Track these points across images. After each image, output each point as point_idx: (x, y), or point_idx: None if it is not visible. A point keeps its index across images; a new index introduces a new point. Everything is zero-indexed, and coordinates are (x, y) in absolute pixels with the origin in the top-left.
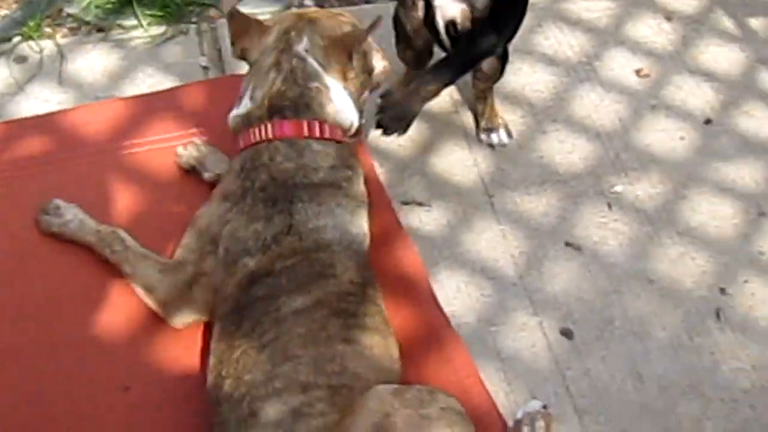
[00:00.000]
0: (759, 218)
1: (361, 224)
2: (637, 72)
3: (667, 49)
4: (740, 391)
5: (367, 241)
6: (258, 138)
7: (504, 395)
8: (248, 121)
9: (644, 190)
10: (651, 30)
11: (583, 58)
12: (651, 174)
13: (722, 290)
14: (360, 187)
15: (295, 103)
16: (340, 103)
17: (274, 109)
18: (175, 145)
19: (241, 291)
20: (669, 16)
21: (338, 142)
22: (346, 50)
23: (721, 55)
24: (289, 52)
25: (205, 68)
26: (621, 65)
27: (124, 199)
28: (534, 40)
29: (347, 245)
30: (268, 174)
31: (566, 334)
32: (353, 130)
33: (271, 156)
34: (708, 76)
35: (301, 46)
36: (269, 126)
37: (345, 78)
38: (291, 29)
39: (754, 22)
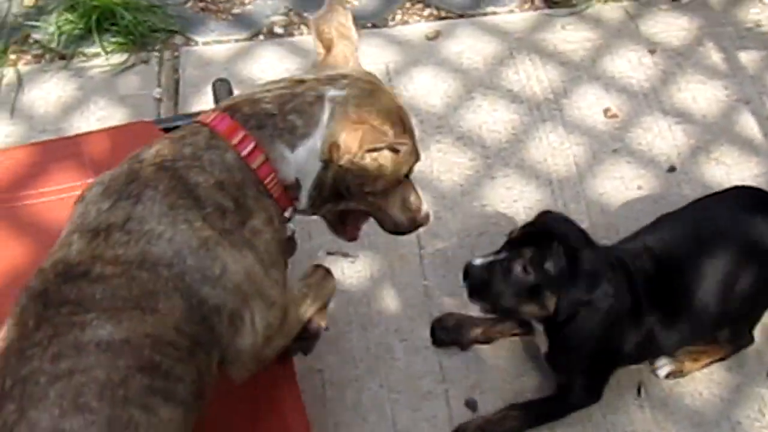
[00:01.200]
0: None
1: (208, 263)
2: (605, 112)
3: (642, 86)
4: None
5: (218, 292)
6: (196, 118)
7: None
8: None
9: None
10: (630, 64)
11: (550, 95)
12: (597, 228)
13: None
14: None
15: (263, 119)
16: (302, 164)
17: (237, 110)
18: (72, 196)
19: (56, 277)
20: (653, 48)
21: (259, 183)
22: (364, 137)
23: (701, 94)
24: (320, 86)
25: (159, 100)
26: (590, 104)
27: (16, 252)
28: (502, 73)
29: (178, 275)
30: (156, 150)
31: (470, 405)
32: (287, 205)
33: (181, 135)
34: (682, 117)
35: (333, 92)
36: (215, 114)
37: (332, 157)
38: (346, 75)
39: (745, 57)
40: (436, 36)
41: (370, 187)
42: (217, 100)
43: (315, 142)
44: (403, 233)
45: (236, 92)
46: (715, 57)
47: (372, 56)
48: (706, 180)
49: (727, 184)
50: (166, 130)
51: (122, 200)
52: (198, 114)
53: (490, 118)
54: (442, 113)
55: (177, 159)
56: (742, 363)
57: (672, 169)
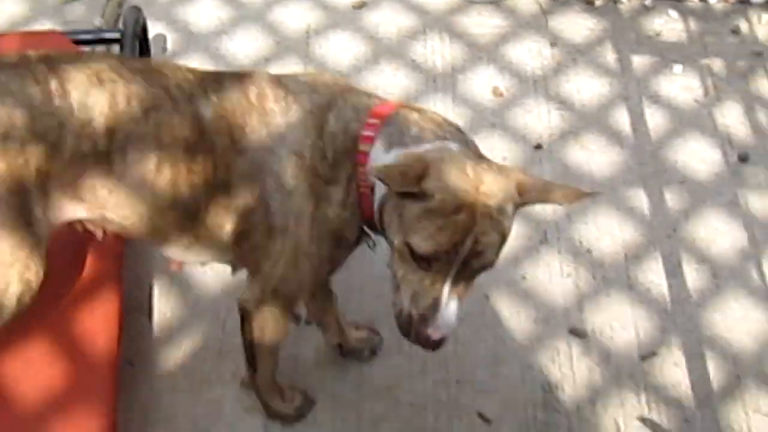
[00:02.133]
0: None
1: (288, 176)
2: (494, 90)
3: (535, 73)
4: None
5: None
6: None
7: None
8: None
9: None
10: (529, 53)
11: (449, 70)
12: None
13: None
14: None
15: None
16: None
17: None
18: None
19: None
20: (554, 42)
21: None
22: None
23: (587, 86)
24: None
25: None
26: (481, 82)
27: None
28: (411, 46)
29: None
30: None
31: None
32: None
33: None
34: (563, 104)
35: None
36: (389, 102)
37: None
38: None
39: (637, 60)
40: (361, 6)
41: (392, 236)
42: (125, 25)
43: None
44: (398, 325)
45: (149, 23)
46: (610, 57)
47: (297, 15)
48: (567, 161)
49: (586, 167)
50: (77, 42)
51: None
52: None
53: (389, 82)
54: (346, 72)
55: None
56: (548, 318)
57: (539, 146)
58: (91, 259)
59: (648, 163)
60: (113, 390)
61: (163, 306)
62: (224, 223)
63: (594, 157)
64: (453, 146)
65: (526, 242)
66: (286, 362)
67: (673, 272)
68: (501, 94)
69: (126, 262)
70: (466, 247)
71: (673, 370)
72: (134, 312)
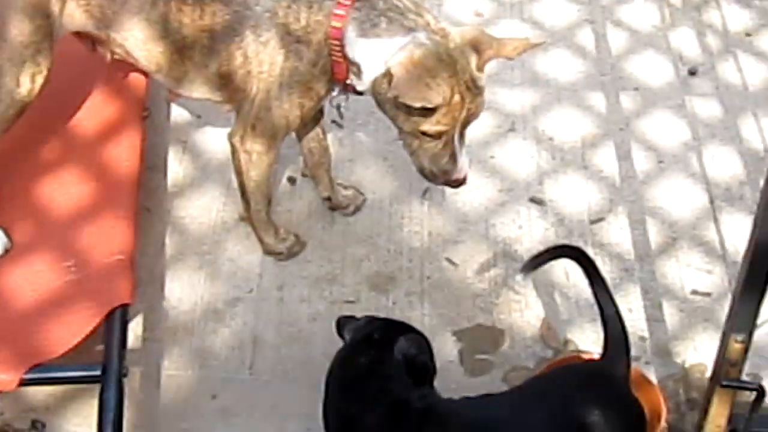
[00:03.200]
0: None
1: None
2: (475, 12)
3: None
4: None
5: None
6: None
7: None
8: None
9: None
10: None
11: None
12: None
13: None
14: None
15: (367, 5)
16: (364, 54)
17: None
18: None
19: None
20: None
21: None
22: (412, 87)
23: (556, 11)
24: (419, 22)
25: None
26: (465, 6)
27: None
28: None
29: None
30: None
31: None
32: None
33: None
34: (534, 24)
35: (421, 35)
36: None
37: (383, 79)
38: (443, 32)
39: None
40: None
41: (400, 125)
42: None
43: (382, 50)
44: (426, 178)
45: None
46: None
47: None
48: (536, 69)
49: (552, 74)
50: None
51: None
52: None
53: None
54: None
55: None
56: (511, 188)
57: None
58: (116, 100)
59: (608, 74)
60: (134, 203)
61: (176, 166)
62: (209, 63)
63: (560, 66)
64: (421, 36)
65: (496, 130)
66: (282, 215)
67: (624, 156)
68: (481, 14)
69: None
70: (462, 118)
71: (618, 232)
72: (150, 171)
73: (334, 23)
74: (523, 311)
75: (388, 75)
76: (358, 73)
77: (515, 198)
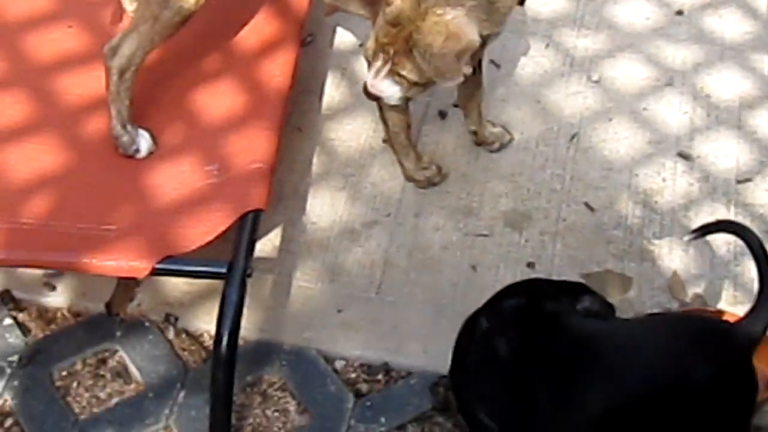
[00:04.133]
0: None
1: None
2: None
3: None
4: None
5: None
6: None
7: None
8: None
9: None
10: None
11: None
12: None
13: None
14: None
15: None
16: None
17: None
18: None
19: None
20: None
21: None
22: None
23: None
24: None
25: None
26: None
27: None
28: None
29: None
30: None
31: None
32: None
33: None
34: None
35: None
36: None
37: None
38: None
39: None
40: None
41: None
42: None
43: None
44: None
45: None
46: None
47: None
48: (704, 26)
49: (719, 33)
50: None
51: None
52: None
53: None
54: None
55: None
56: (660, 141)
57: (680, 12)
58: (276, 20)
59: None
60: (280, 117)
61: (332, 91)
62: None
63: (728, 25)
64: None
65: (653, 83)
66: (429, 146)
67: None
68: None
69: (301, 52)
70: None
71: (765, 194)
72: (307, 94)
73: None
74: (655, 261)
75: None
76: None
77: (663, 151)
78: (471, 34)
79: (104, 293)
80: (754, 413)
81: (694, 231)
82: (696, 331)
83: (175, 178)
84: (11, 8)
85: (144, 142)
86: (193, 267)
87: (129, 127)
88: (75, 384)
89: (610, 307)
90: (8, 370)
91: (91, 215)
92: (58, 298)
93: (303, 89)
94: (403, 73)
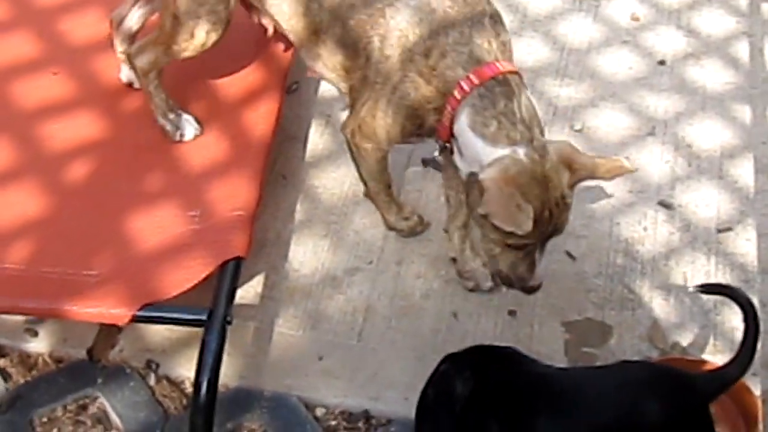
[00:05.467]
0: None
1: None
2: (632, 15)
3: (672, 6)
4: None
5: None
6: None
7: None
8: None
9: None
10: None
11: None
12: None
13: None
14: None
15: (490, 99)
16: (460, 138)
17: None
18: None
19: None
20: None
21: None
22: (498, 209)
23: (715, 21)
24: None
25: None
26: (623, 7)
27: None
28: None
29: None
30: None
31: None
32: None
33: None
34: (690, 32)
35: (522, 150)
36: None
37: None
38: (544, 149)
39: (766, 6)
40: None
41: (485, 232)
42: None
43: (483, 152)
44: (501, 280)
45: None
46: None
47: None
48: (685, 77)
49: (700, 83)
50: None
51: None
52: None
53: None
54: None
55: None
56: (642, 190)
57: (662, 62)
58: (260, 69)
59: (758, 87)
60: (263, 166)
61: (316, 138)
62: (336, 53)
63: (710, 75)
64: (521, 152)
65: (635, 132)
66: (411, 194)
67: (762, 170)
68: (637, 19)
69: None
70: (548, 232)
71: (744, 243)
72: (291, 141)
73: (456, 93)
74: (635, 310)
75: (479, 186)
76: (458, 151)
77: (644, 200)
78: None
79: (86, 339)
80: None
81: (703, 287)
82: (654, 376)
83: (157, 223)
84: None
85: (188, 126)
86: (173, 314)
87: (171, 116)
88: (55, 430)
89: None
90: None
91: (73, 261)
92: (39, 344)
93: (287, 137)
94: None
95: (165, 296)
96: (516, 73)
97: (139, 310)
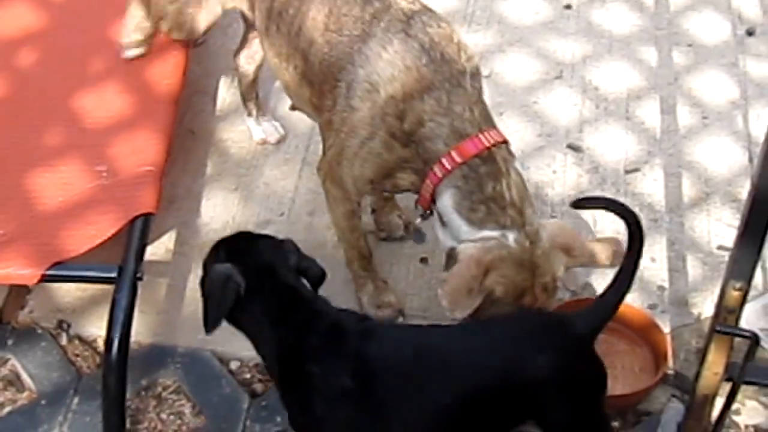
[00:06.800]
0: None
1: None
2: None
3: None
4: None
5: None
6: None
7: None
8: None
9: None
10: None
11: None
12: None
13: None
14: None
15: (475, 184)
16: (454, 229)
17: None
18: None
19: None
20: None
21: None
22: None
23: None
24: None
25: None
26: None
27: None
28: None
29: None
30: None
31: None
32: None
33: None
34: None
35: (512, 236)
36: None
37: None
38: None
39: None
40: None
41: None
42: None
43: (466, 233)
44: None
45: None
46: None
47: None
48: (591, 19)
49: (606, 26)
50: None
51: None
52: None
53: None
54: None
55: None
56: (551, 133)
57: (568, 6)
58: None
59: (664, 29)
60: (171, 121)
61: (224, 93)
62: (303, 86)
63: (616, 18)
64: (511, 237)
65: (543, 76)
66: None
67: (668, 111)
68: None
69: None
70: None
71: (652, 183)
72: (199, 95)
73: (436, 170)
74: None
75: (454, 254)
76: (440, 222)
77: (553, 143)
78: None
79: None
80: (603, 399)
81: (580, 200)
82: (534, 324)
83: (62, 181)
84: None
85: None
86: (82, 272)
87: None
88: None
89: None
90: None
91: None
92: None
93: (195, 90)
94: None
95: (73, 254)
96: (503, 142)
97: (48, 269)
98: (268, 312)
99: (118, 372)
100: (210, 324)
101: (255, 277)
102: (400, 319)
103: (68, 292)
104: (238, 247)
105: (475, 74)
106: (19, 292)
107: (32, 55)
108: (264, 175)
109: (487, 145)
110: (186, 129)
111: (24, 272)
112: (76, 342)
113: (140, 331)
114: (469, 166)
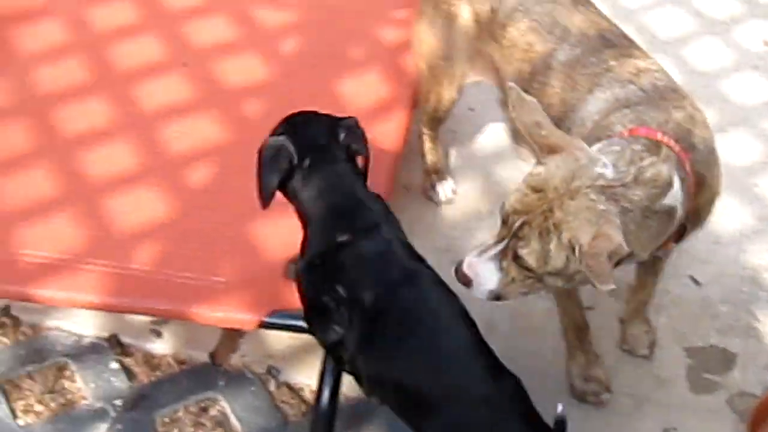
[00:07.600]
0: None
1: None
2: (764, 41)
3: None
4: None
5: None
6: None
7: None
8: None
9: None
10: None
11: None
12: None
13: None
14: None
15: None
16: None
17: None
18: None
19: None
20: None
21: None
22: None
23: None
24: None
25: None
26: (755, 33)
27: None
28: None
29: None
30: None
31: None
32: None
33: None
34: None
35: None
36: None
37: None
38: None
39: None
40: None
41: None
42: None
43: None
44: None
45: None
46: None
47: None
48: None
49: None
50: None
51: None
52: None
53: None
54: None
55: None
56: None
57: None
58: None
59: None
60: (392, 178)
61: None
62: None
63: None
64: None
65: (765, 158)
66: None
67: None
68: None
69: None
70: (513, 223)
71: None
72: (413, 152)
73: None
74: (761, 338)
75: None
76: None
77: None
78: (617, 236)
79: (209, 343)
80: None
81: None
82: None
83: (286, 232)
84: (124, 58)
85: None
86: (299, 322)
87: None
88: (176, 431)
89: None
90: (112, 413)
91: (201, 266)
92: (163, 345)
93: (409, 149)
94: (523, 253)
95: (292, 304)
96: None
97: (267, 316)
98: (316, 188)
99: (325, 423)
100: (263, 189)
101: (306, 151)
102: (606, 396)
103: (280, 339)
104: (294, 123)
105: None
106: (232, 336)
107: (254, 103)
108: (475, 237)
109: None
110: (400, 185)
111: (243, 317)
112: (284, 389)
113: (347, 384)
114: None
